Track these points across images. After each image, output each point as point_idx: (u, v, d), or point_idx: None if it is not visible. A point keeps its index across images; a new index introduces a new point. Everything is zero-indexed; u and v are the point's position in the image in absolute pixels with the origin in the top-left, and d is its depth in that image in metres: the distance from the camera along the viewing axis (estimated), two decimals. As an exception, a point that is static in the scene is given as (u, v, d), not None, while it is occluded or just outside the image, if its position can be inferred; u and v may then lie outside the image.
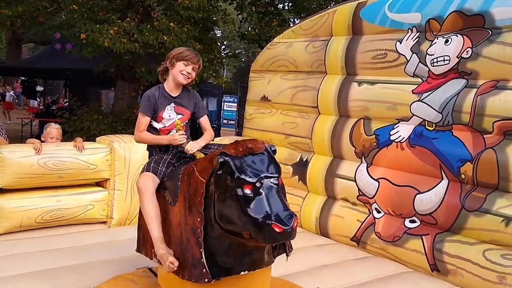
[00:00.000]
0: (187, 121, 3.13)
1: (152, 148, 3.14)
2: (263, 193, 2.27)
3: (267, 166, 2.36)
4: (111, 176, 4.69)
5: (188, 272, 2.52)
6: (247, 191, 2.27)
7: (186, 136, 3.01)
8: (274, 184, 2.32)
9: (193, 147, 2.95)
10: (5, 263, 3.55)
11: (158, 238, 2.70)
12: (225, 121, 16.99)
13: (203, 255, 2.47)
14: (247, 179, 2.28)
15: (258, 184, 2.28)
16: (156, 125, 3.10)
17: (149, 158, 3.10)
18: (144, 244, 3.03)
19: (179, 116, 3.08)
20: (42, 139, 4.77)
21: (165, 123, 3.08)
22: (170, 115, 3.06)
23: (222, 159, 2.34)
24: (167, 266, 2.59)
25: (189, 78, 3.04)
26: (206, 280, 2.45)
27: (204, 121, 3.24)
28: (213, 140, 3.19)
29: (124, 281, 3.24)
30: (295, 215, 2.27)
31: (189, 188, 2.57)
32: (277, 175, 2.37)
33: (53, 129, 4.85)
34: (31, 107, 19.26)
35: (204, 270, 2.46)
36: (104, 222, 4.73)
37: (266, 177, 2.32)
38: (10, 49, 20.30)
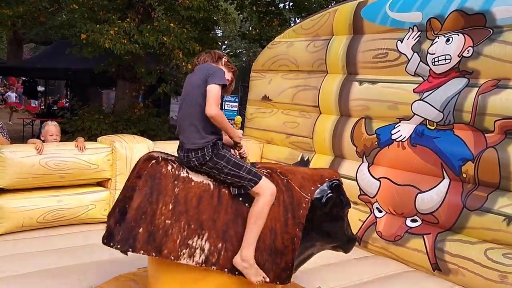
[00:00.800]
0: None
1: (217, 136, 2.77)
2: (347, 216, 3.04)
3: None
4: (113, 176, 4.69)
5: (275, 275, 2.70)
6: (347, 214, 3.01)
7: None
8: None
9: (245, 151, 2.97)
10: (7, 262, 3.55)
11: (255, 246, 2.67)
12: (226, 121, 16.97)
13: (294, 261, 2.75)
14: (349, 204, 3.05)
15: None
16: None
17: (206, 146, 2.70)
18: (153, 242, 2.65)
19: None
20: (42, 138, 4.76)
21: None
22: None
23: (336, 183, 2.89)
24: (260, 279, 2.65)
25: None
26: (288, 282, 2.74)
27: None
28: None
29: (125, 281, 3.24)
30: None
31: (292, 200, 2.80)
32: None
33: (51, 126, 4.83)
34: (32, 107, 19.27)
35: (290, 273, 2.73)
36: (106, 222, 4.71)
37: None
38: (11, 49, 20.28)
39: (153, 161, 2.69)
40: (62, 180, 4.49)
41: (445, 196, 3.91)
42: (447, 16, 3.99)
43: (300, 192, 2.82)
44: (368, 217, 4.47)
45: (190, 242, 2.60)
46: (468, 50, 3.85)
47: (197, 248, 2.60)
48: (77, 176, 4.54)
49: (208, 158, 2.68)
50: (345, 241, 3.06)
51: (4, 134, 4.73)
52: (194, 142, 2.69)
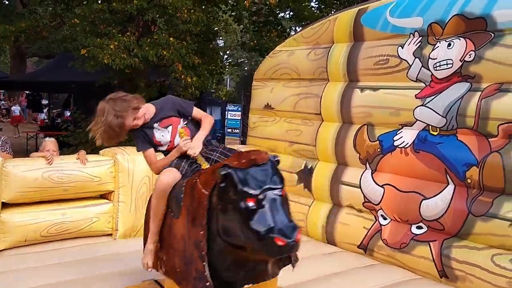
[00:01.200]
0: (186, 123, 3.02)
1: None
2: (266, 206, 2.23)
3: (271, 177, 2.32)
4: (115, 188, 4.68)
5: (192, 286, 2.49)
6: (250, 203, 2.23)
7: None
8: (278, 195, 2.28)
9: (194, 149, 2.86)
10: (11, 277, 3.54)
11: (154, 233, 2.86)
12: (229, 130, 17.00)
13: (207, 269, 2.44)
14: (250, 191, 2.25)
15: (261, 197, 2.24)
16: (162, 148, 3.06)
17: None
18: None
19: (169, 127, 3.00)
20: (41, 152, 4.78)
21: (164, 142, 3.02)
22: (162, 134, 3.00)
23: (225, 172, 2.30)
24: (143, 264, 2.92)
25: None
26: None
27: (196, 113, 3.09)
28: (213, 125, 3.13)
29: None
30: (299, 227, 2.23)
31: (192, 201, 2.55)
32: (280, 187, 2.32)
33: (48, 142, 4.86)
34: (41, 120, 19.39)
35: (208, 283, 2.43)
36: (110, 235, 4.71)
37: (270, 188, 2.27)
38: (14, 64, 20.43)
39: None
40: (66, 193, 4.48)
41: (450, 202, 3.87)
42: (448, 21, 3.97)
43: (202, 190, 2.51)
44: (373, 224, 4.44)
45: (159, 255, 2.88)
46: (469, 55, 3.83)
47: (162, 259, 2.84)
48: (80, 189, 4.53)
49: None
50: (256, 240, 2.22)
51: (7, 148, 4.73)
52: None
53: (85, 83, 11.58)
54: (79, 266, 3.80)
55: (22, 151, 12.46)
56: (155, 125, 3.01)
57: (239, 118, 15.22)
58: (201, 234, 2.45)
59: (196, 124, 3.08)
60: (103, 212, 4.65)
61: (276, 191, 2.29)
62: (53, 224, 4.35)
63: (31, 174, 4.23)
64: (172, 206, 2.75)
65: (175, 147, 2.97)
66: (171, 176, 2.79)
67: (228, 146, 3.19)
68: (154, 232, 2.86)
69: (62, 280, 3.52)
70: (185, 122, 3.03)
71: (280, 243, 2.13)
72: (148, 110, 2.99)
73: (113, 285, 3.38)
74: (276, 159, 2.45)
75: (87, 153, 4.72)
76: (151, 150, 3.04)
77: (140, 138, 3.02)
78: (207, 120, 3.07)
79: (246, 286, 2.50)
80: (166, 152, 3.05)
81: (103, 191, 4.73)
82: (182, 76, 8.94)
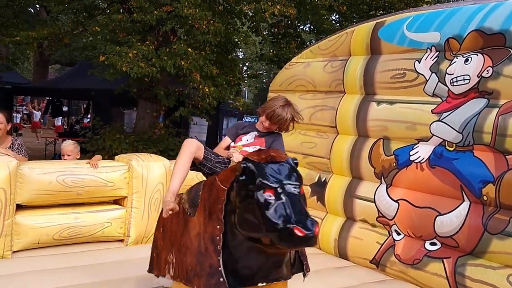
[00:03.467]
0: (253, 147, 3.11)
1: None
2: (284, 198, 2.27)
3: (289, 175, 2.38)
4: (129, 194, 4.70)
5: (204, 281, 2.47)
6: (269, 195, 2.28)
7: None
8: (296, 191, 2.33)
9: (236, 157, 2.96)
10: (23, 280, 3.56)
11: (175, 188, 2.75)
12: (246, 142, 16.97)
13: (221, 264, 2.45)
14: (269, 183, 2.30)
15: (279, 189, 2.29)
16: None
17: None
18: (157, 264, 3.02)
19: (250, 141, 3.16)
20: (63, 158, 4.84)
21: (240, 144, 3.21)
22: (247, 139, 3.18)
23: (245, 164, 2.38)
24: (165, 211, 2.71)
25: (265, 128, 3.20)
26: None
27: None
28: None
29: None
30: (317, 222, 2.25)
31: (209, 196, 2.59)
32: (298, 184, 2.37)
33: (68, 146, 4.93)
34: (58, 126, 19.66)
35: (222, 279, 2.43)
36: (122, 240, 4.73)
37: (288, 184, 2.32)
38: (37, 70, 20.78)
39: None
40: (79, 198, 4.52)
41: (465, 219, 3.81)
42: (466, 36, 3.94)
43: (220, 185, 2.58)
44: (386, 239, 4.38)
45: (168, 258, 2.84)
46: (487, 70, 3.79)
47: (171, 263, 2.79)
48: (94, 193, 4.57)
49: None
50: (274, 231, 2.26)
51: (22, 151, 4.79)
52: None
53: (105, 91, 11.73)
54: (89, 271, 3.82)
55: (40, 156, 12.62)
56: (254, 133, 3.22)
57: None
58: (218, 229, 2.48)
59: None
60: (116, 217, 4.67)
61: (294, 187, 2.33)
62: (66, 228, 4.39)
63: (45, 178, 4.28)
64: (188, 205, 2.77)
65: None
66: (196, 142, 2.95)
67: None
68: (175, 188, 2.75)
69: (72, 284, 3.54)
70: (253, 147, 3.13)
71: (299, 233, 2.15)
72: None
73: (122, 291, 3.38)
74: (295, 161, 2.51)
75: (103, 160, 4.77)
76: (228, 140, 3.23)
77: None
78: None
79: (259, 284, 2.49)
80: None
81: (117, 196, 4.75)
82: (200, 86, 8.98)
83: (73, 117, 21.31)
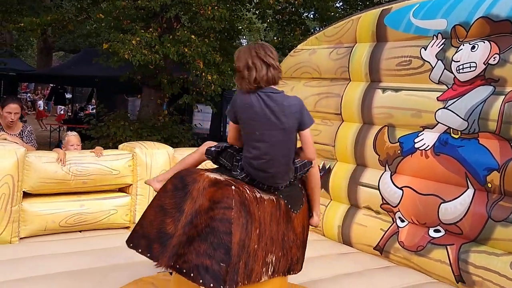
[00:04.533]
0: None
1: None
2: None
3: None
4: (134, 182, 4.73)
5: (301, 265, 2.93)
6: None
7: None
8: None
9: None
10: (29, 264, 3.61)
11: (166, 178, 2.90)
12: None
13: None
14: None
15: None
16: None
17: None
18: (247, 272, 2.57)
19: None
20: (63, 148, 4.86)
21: None
22: None
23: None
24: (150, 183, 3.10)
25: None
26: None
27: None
28: None
29: (144, 284, 3.27)
30: None
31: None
32: None
33: (71, 137, 5.00)
34: (59, 115, 19.67)
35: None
36: (127, 227, 4.76)
37: None
38: (41, 57, 20.75)
39: (234, 188, 2.57)
40: (85, 186, 4.55)
41: (469, 206, 3.82)
42: (473, 23, 3.92)
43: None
44: (390, 226, 4.40)
45: (267, 260, 2.60)
46: (494, 58, 3.78)
47: (269, 263, 2.62)
48: (99, 182, 4.59)
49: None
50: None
51: (32, 139, 4.82)
52: (288, 178, 2.80)
53: (109, 78, 11.71)
54: (96, 256, 3.85)
55: (45, 143, 12.69)
56: None
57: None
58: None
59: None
60: (121, 205, 4.70)
61: None
62: (72, 215, 4.42)
63: (51, 167, 4.31)
64: (291, 204, 2.85)
65: None
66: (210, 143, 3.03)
67: None
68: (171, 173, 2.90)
69: (78, 268, 3.58)
70: None
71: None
72: None
73: (129, 276, 3.41)
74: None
75: (108, 147, 4.78)
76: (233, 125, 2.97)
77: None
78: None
79: None
80: None
81: (122, 184, 4.78)
82: (203, 74, 8.96)
83: (77, 104, 21.32)
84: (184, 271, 2.41)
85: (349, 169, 4.87)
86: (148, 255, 2.60)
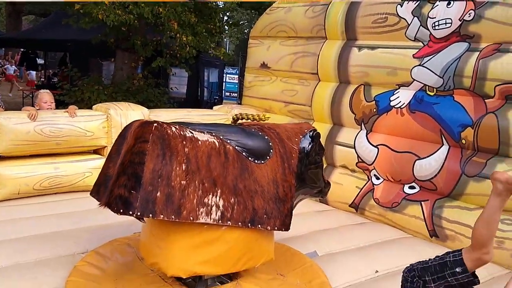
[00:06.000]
0: None
1: None
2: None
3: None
4: (108, 144, 4.66)
5: (281, 222, 2.85)
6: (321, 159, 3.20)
7: None
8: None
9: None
10: (4, 227, 3.55)
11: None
12: (227, 94, 16.87)
13: (293, 207, 2.92)
14: (323, 151, 3.23)
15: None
16: None
17: None
18: (171, 205, 2.56)
19: None
20: (36, 107, 4.72)
21: None
22: None
23: (317, 132, 3.08)
24: None
25: None
26: (289, 229, 2.87)
27: None
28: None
29: (120, 245, 3.25)
30: None
31: (285, 151, 2.95)
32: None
33: (44, 93, 4.82)
34: (29, 81, 19.15)
35: (290, 219, 2.88)
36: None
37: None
38: (10, 21, 20.05)
39: (155, 124, 2.61)
40: (58, 147, 4.46)
41: (443, 163, 3.88)
42: (449, -21, 3.89)
43: (290, 144, 2.99)
44: (365, 184, 4.45)
45: (206, 200, 2.62)
46: (469, 14, 3.76)
47: (213, 205, 2.64)
48: (73, 143, 4.51)
49: None
50: (323, 185, 3.29)
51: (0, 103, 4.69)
52: None
53: (82, 42, 11.39)
54: (70, 218, 3.81)
55: (18, 109, 12.38)
56: None
57: (237, 81, 15.08)
58: (293, 179, 2.93)
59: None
60: (96, 167, 4.60)
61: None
62: (46, 178, 4.34)
63: (23, 127, 4.20)
64: (249, 153, 2.84)
65: None
66: None
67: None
68: None
69: (53, 231, 3.53)
70: None
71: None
72: None
73: (103, 237, 3.38)
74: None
75: None
76: None
77: None
78: None
79: None
80: None
81: (96, 146, 4.71)
82: (178, 35, 8.78)
83: (50, 70, 20.81)
84: (110, 204, 2.51)
85: (326, 128, 4.87)
86: (96, 197, 2.67)
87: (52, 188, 4.41)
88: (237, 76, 15.49)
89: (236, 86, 15.54)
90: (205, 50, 10.41)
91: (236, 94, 15.27)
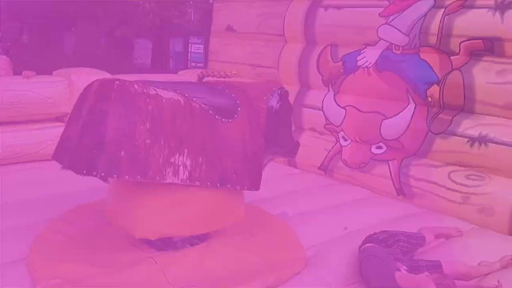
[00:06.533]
0: None
1: None
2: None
3: None
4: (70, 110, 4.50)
5: (252, 180, 2.81)
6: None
7: None
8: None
9: None
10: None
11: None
12: (193, 64, 16.60)
13: (262, 167, 2.90)
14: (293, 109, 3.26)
15: None
16: None
17: None
18: (137, 164, 2.51)
19: None
20: None
21: None
22: None
23: (285, 90, 3.03)
24: None
25: None
26: (259, 188, 2.84)
27: None
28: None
29: (85, 211, 3.19)
30: None
31: (253, 109, 2.89)
32: None
33: (2, 59, 4.62)
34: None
35: (260, 179, 2.84)
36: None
37: None
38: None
39: (117, 82, 2.50)
40: (18, 115, 4.30)
41: (410, 121, 3.89)
42: None
43: (257, 102, 2.93)
44: (333, 146, 4.44)
45: (172, 160, 2.54)
46: (434, -30, 3.73)
47: (180, 165, 2.56)
48: (33, 110, 4.35)
49: None
50: (292, 145, 3.24)
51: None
52: None
53: (40, 11, 10.96)
54: (33, 187, 3.69)
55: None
56: None
57: (203, 51, 14.86)
58: (261, 138, 2.89)
59: None
60: (59, 135, 4.47)
61: None
62: (5, 147, 4.18)
63: (-22, 95, 4.02)
64: (216, 111, 2.74)
65: None
66: None
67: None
68: None
69: (15, 200, 3.42)
70: None
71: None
72: None
73: (68, 204, 3.30)
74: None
75: None
76: None
77: None
78: None
79: None
80: None
81: (58, 113, 4.55)
82: (140, 2, 8.55)
83: (8, 44, 20.05)
84: (73, 166, 2.46)
85: (294, 91, 4.81)
86: (59, 159, 2.63)
87: (14, 157, 4.26)
88: (202, 46, 15.26)
89: (201, 56, 15.31)
90: (168, 18, 10.18)
91: (201, 64, 15.06)
